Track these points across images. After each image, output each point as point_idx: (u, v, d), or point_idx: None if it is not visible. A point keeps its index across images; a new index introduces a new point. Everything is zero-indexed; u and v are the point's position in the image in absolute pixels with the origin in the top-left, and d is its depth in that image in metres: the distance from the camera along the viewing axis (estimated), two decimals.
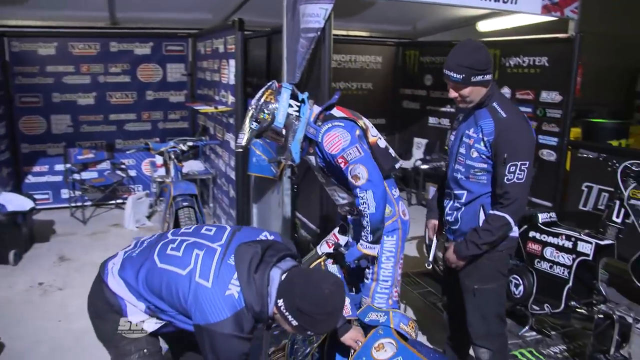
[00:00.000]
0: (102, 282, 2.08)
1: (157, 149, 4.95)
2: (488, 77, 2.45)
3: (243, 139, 2.61)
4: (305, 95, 2.65)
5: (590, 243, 3.15)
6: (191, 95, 6.82)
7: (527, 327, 3.58)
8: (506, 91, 5.67)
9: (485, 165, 2.51)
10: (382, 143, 2.72)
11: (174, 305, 1.95)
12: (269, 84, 2.65)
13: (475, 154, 2.52)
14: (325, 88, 3.86)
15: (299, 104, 2.60)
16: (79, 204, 6.28)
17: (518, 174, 2.37)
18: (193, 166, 6.02)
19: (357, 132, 2.54)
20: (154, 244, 2.09)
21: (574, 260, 3.21)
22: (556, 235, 3.32)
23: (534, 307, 3.42)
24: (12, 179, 6.23)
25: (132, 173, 6.74)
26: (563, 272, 3.26)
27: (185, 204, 4.23)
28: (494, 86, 2.52)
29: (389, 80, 7.62)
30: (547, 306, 3.33)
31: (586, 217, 4.41)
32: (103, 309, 2.07)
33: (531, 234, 3.44)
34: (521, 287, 3.43)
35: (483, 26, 6.46)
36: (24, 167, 6.42)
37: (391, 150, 2.76)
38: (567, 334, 3.64)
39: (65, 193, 6.50)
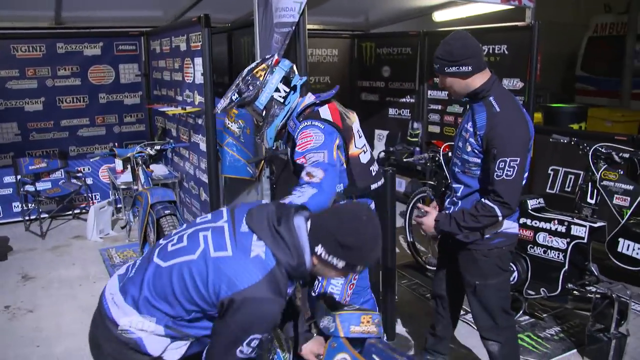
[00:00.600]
0: (106, 319, 1.77)
1: (123, 155, 4.73)
2: (464, 68, 2.37)
3: (220, 106, 2.54)
4: (300, 82, 2.52)
5: (584, 226, 3.25)
6: (147, 97, 6.53)
7: (520, 312, 3.67)
8: None
9: (478, 160, 2.47)
10: (366, 157, 2.58)
11: (192, 301, 1.66)
12: (267, 57, 2.53)
13: (469, 148, 2.48)
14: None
15: (288, 90, 2.47)
16: (34, 217, 5.91)
17: (507, 170, 2.28)
18: (157, 170, 5.78)
19: (337, 141, 2.40)
20: (150, 253, 1.83)
21: (568, 244, 3.29)
22: (548, 220, 3.41)
23: (529, 292, 3.50)
24: None
25: (89, 181, 6.38)
26: (558, 256, 3.35)
27: (167, 211, 4.02)
28: (494, 80, 2.44)
29: (345, 73, 7.59)
30: (543, 290, 3.42)
31: (554, 199, 4.57)
32: (116, 349, 1.76)
33: (521, 220, 3.51)
34: (515, 274, 3.51)
35: (439, 16, 6.59)
36: None
37: (374, 167, 2.65)
38: (558, 315, 3.76)
39: (17, 206, 6.09)
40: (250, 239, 1.66)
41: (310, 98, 2.55)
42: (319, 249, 1.67)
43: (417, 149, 6.63)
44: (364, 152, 2.58)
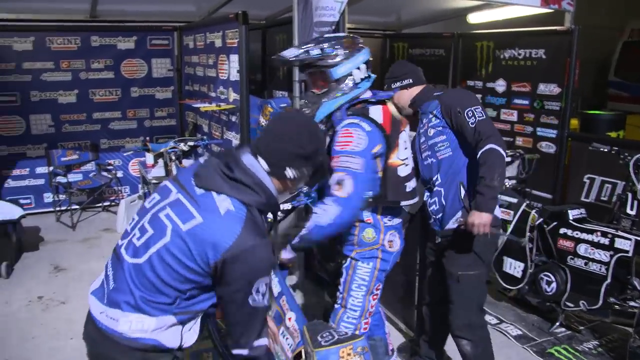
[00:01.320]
0: (112, 336, 1.66)
1: (157, 150, 4.74)
2: (406, 81, 2.79)
3: (290, 54, 2.32)
4: (373, 76, 2.43)
5: (629, 239, 3.17)
6: (179, 92, 6.56)
7: (557, 324, 3.61)
8: (501, 83, 5.72)
9: (444, 136, 2.64)
10: (404, 171, 2.45)
11: (184, 279, 1.62)
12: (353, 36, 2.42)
13: (432, 131, 2.68)
14: None
15: (366, 75, 2.37)
16: (64, 208, 5.97)
17: (477, 114, 2.51)
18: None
19: (378, 147, 2.29)
20: (117, 258, 1.72)
21: (611, 257, 3.22)
22: (590, 231, 3.34)
23: (568, 304, 3.44)
24: None
25: (119, 174, 6.44)
26: (600, 269, 3.27)
27: None
28: (431, 88, 2.84)
29: (376, 73, 7.49)
30: (582, 303, 3.35)
31: (589, 208, 4.47)
32: (138, 357, 1.68)
33: (562, 230, 3.45)
34: (554, 284, 3.45)
35: (473, 18, 6.49)
36: (2, 170, 6.03)
37: (411, 184, 2.50)
38: (595, 329, 3.67)
39: (48, 197, 6.17)
40: (212, 197, 1.62)
41: (366, 93, 2.41)
42: (290, 173, 1.71)
43: None
44: (405, 165, 2.45)
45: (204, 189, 1.64)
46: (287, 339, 2.16)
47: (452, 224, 2.65)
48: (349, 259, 2.49)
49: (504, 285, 3.84)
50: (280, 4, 5.84)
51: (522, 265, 3.67)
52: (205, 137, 5.28)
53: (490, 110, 5.95)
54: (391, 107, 2.49)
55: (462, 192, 2.51)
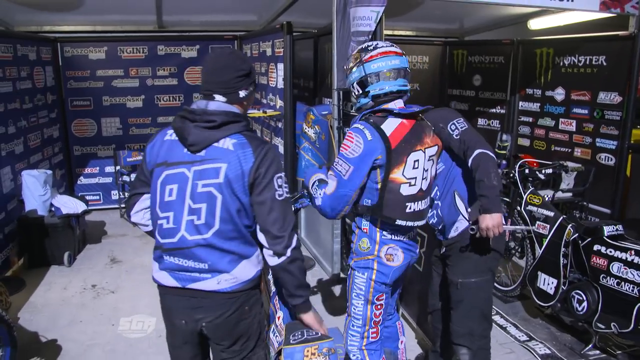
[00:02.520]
0: (224, 296, 1.94)
1: None
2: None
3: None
4: (381, 91, 2.36)
5: None
6: None
7: (590, 346, 3.42)
8: (560, 91, 5.50)
9: None
10: (408, 190, 2.36)
11: (236, 213, 1.90)
12: (370, 45, 2.43)
13: None
14: None
15: (360, 92, 2.41)
16: None
17: (460, 126, 2.51)
18: None
19: (379, 157, 2.28)
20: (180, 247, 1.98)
21: None
22: (625, 250, 3.15)
23: (599, 325, 3.25)
24: (65, 180, 6.40)
25: None
26: (633, 290, 3.08)
27: None
28: None
29: (436, 80, 7.46)
30: (614, 325, 3.16)
31: None
32: (253, 299, 2.02)
33: (596, 247, 3.27)
34: (585, 304, 3.28)
35: (535, 24, 6.26)
36: (76, 168, 6.60)
37: (417, 206, 2.40)
38: (634, 355, 3.42)
39: (115, 194, 6.64)
40: (214, 148, 1.89)
41: (396, 104, 2.38)
42: (242, 93, 1.99)
43: (504, 162, 6.34)
44: (410, 185, 2.36)
45: (204, 150, 1.89)
46: (276, 336, 2.24)
47: (453, 232, 2.65)
48: (350, 268, 2.56)
49: (537, 301, 3.70)
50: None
51: (555, 281, 3.52)
52: None
53: (548, 119, 5.74)
54: (419, 125, 2.40)
55: (457, 199, 2.46)
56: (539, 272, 3.66)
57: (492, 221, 2.36)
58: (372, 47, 2.40)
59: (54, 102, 6.13)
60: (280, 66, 4.86)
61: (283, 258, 1.91)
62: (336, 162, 2.33)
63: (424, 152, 2.39)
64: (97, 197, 6.67)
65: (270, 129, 5.44)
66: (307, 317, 2.05)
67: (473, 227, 2.46)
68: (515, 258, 4.34)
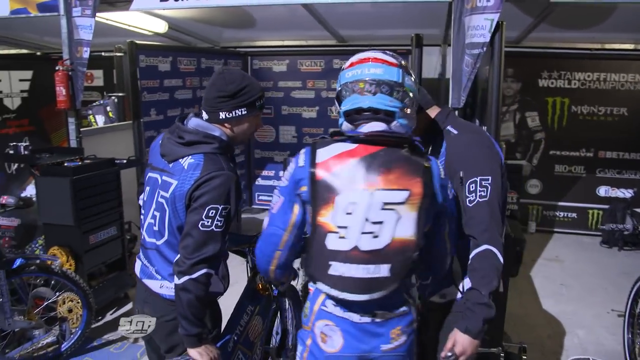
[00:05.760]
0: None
1: None
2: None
3: None
4: (352, 107, 1.72)
5: None
6: None
7: None
8: None
9: None
10: (337, 244, 1.70)
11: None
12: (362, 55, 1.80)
13: None
14: (493, 112, 3.40)
15: (339, 109, 1.80)
16: None
17: (480, 191, 1.89)
18: None
19: (302, 187, 1.72)
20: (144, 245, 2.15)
21: None
22: None
23: None
24: (244, 179, 7.10)
25: None
26: None
27: None
28: (448, 112, 2.17)
29: None
30: None
31: None
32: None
33: None
34: None
35: None
36: (255, 170, 7.28)
37: (342, 267, 1.71)
38: None
39: None
40: (179, 163, 1.96)
41: (372, 127, 1.71)
42: (222, 114, 1.99)
43: None
44: (339, 237, 1.70)
45: (172, 162, 1.99)
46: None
47: (438, 298, 2.12)
48: None
49: None
50: None
51: None
52: None
53: None
54: (377, 156, 1.70)
55: (456, 265, 1.95)
56: None
57: (470, 348, 1.79)
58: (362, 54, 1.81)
59: None
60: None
61: (177, 282, 1.87)
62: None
63: (372, 195, 1.67)
64: (272, 199, 7.21)
65: None
66: (191, 352, 1.95)
67: (449, 354, 1.79)
68: None
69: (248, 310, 2.44)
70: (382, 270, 1.69)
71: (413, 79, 1.76)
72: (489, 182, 1.89)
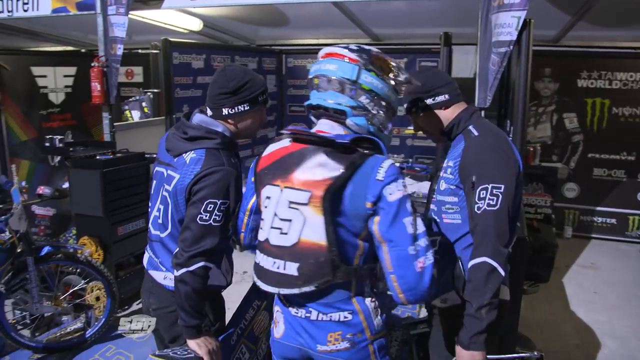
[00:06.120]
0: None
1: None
2: (441, 97, 2.06)
3: None
4: (313, 100, 1.80)
5: None
6: None
7: None
8: None
9: (455, 199, 2.00)
10: (260, 234, 1.79)
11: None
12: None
13: (443, 185, 2.04)
14: (520, 113, 3.32)
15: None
16: None
17: (489, 199, 1.82)
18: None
19: (252, 178, 1.85)
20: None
21: None
22: None
23: None
24: None
25: None
26: None
27: None
28: (473, 110, 2.08)
29: None
30: None
31: None
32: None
33: None
34: None
35: None
36: None
37: (260, 258, 1.75)
38: None
39: None
40: (182, 157, 1.99)
41: (321, 125, 1.77)
42: (225, 111, 2.02)
43: None
44: (260, 229, 1.79)
45: (176, 157, 2.02)
46: None
47: (439, 302, 2.07)
48: None
49: None
50: None
51: None
52: None
53: None
54: (316, 153, 1.67)
55: (458, 270, 1.93)
56: None
57: (466, 358, 1.77)
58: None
59: (273, 106, 6.89)
60: None
61: (175, 274, 1.90)
62: None
63: (281, 192, 1.70)
64: None
65: None
66: (190, 343, 1.95)
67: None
68: None
69: (254, 304, 2.45)
70: (289, 267, 1.67)
71: (380, 77, 1.70)
72: (501, 190, 1.83)
